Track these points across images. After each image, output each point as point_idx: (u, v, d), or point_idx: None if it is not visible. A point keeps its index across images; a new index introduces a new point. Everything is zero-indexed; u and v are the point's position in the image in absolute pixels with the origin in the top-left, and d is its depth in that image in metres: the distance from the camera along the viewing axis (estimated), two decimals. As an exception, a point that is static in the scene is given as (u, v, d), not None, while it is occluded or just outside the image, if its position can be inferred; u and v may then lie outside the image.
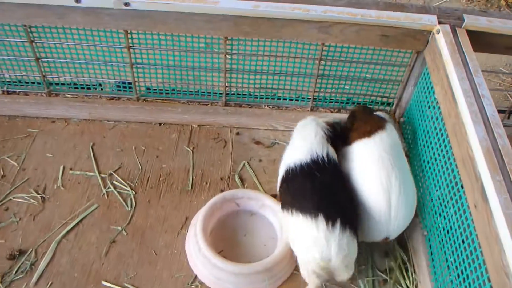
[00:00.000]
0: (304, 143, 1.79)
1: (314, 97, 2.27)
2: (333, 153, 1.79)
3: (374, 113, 1.96)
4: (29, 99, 2.24)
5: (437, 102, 1.82)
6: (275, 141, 2.27)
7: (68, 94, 2.26)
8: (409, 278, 1.83)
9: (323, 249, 1.56)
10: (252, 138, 2.28)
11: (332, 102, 2.33)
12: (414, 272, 1.84)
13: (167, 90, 2.29)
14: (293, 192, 1.69)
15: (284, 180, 1.77)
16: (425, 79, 2.01)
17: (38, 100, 2.23)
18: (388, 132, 1.81)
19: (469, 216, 1.50)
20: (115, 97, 2.26)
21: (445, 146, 1.73)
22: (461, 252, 1.55)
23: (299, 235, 1.63)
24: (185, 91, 2.28)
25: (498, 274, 1.27)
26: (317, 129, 1.82)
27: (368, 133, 1.81)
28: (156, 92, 2.29)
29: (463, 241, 1.54)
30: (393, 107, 2.30)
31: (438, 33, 1.86)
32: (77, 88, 2.27)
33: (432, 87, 1.90)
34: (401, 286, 1.80)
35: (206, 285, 1.76)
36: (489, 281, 1.33)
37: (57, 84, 2.26)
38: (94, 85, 2.29)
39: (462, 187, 1.56)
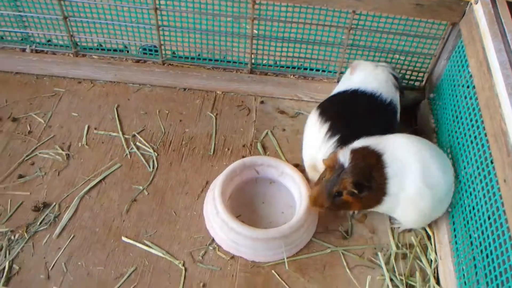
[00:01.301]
0: (373, 80, 1.91)
1: (342, 68, 2.21)
2: (396, 101, 1.91)
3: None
4: (57, 58, 2.25)
5: (471, 76, 1.76)
6: (299, 112, 2.24)
7: (95, 55, 2.27)
8: (430, 254, 1.80)
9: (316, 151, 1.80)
10: (276, 108, 2.26)
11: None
12: (435, 248, 1.80)
13: (193, 56, 2.27)
14: (340, 108, 1.87)
15: (343, 94, 1.92)
16: (459, 52, 1.94)
17: (65, 60, 2.25)
18: None
19: (497, 192, 1.45)
20: (141, 60, 2.26)
21: (476, 121, 1.67)
22: (486, 228, 1.51)
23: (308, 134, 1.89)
24: (211, 57, 2.26)
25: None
26: (388, 75, 1.93)
27: None
28: (181, 57, 2.28)
29: (488, 217, 1.50)
30: (423, 82, 2.24)
31: (476, 3, 1.78)
32: (103, 50, 2.27)
33: (466, 61, 1.83)
34: (421, 261, 1.78)
35: (223, 248, 1.76)
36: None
37: (84, 45, 2.27)
38: (120, 48, 2.29)
39: (491, 162, 1.51)
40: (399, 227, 1.86)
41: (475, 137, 1.67)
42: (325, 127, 1.80)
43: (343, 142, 1.74)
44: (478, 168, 1.61)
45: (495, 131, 1.49)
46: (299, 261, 1.76)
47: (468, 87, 1.80)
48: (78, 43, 2.26)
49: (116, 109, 2.17)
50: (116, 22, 2.14)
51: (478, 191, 1.59)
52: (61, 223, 1.77)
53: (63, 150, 1.99)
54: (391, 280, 1.72)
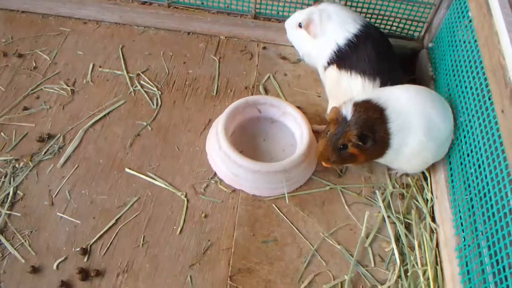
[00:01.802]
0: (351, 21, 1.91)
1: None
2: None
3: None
4: (62, -3, 2.25)
5: (470, 21, 1.77)
6: (301, 58, 2.26)
7: (101, -4, 2.26)
8: (426, 194, 1.84)
9: None
10: (278, 54, 2.27)
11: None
12: (431, 188, 1.85)
13: (198, 1, 2.26)
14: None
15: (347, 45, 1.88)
16: (459, 0, 1.94)
17: (71, 0, 2.25)
18: None
19: (494, 125, 1.49)
20: (147, 2, 2.26)
21: (475, 62, 1.69)
22: (483, 167, 1.55)
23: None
24: (216, 3, 2.25)
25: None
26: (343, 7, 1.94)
27: None
28: (187, 0, 2.27)
29: (485, 151, 1.54)
30: (422, 33, 2.25)
31: None
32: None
33: (466, 7, 1.84)
34: (417, 200, 1.83)
35: (225, 182, 1.81)
36: None
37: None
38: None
39: (489, 98, 1.54)
40: (396, 173, 1.90)
41: (473, 77, 1.69)
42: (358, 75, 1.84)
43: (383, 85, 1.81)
44: (475, 106, 1.64)
45: (494, 67, 1.52)
46: (299, 197, 1.80)
47: (467, 31, 1.82)
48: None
49: (121, 49, 2.18)
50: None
51: (476, 128, 1.62)
52: (65, 153, 1.80)
53: (68, 85, 2.01)
54: (388, 217, 1.78)
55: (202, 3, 2.27)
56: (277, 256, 1.66)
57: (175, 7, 2.25)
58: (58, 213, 1.65)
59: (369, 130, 1.63)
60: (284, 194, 1.78)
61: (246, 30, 2.25)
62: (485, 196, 1.51)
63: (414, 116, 1.67)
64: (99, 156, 1.82)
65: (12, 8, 2.28)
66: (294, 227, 1.73)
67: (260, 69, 2.19)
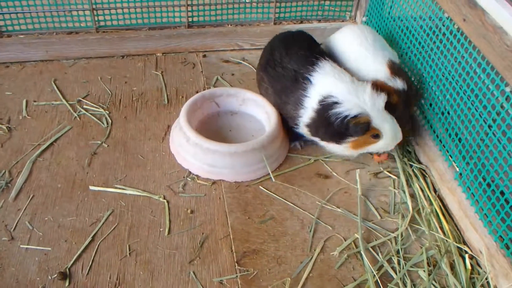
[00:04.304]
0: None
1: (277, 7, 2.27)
2: None
3: None
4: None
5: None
6: (242, 61, 2.23)
7: (21, 34, 2.11)
8: (406, 146, 1.82)
9: None
10: (220, 59, 2.24)
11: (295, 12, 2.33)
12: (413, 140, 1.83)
13: (127, 18, 2.18)
14: None
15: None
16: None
17: (-14, 44, 2.07)
18: None
19: (457, 37, 1.53)
20: (73, 31, 2.14)
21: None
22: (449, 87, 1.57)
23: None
24: (146, 17, 2.19)
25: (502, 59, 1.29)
26: None
27: None
28: (116, 21, 2.18)
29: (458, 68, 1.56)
30: (353, 12, 2.34)
31: None
32: (30, 25, 2.11)
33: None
34: (402, 154, 1.79)
35: (201, 176, 1.66)
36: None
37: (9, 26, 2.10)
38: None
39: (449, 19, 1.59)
40: None
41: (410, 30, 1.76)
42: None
43: None
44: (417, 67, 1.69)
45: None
46: (284, 175, 1.70)
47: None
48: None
49: (54, 82, 2.02)
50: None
51: (440, 53, 1.66)
52: (16, 186, 1.57)
53: (2, 124, 1.80)
54: (380, 172, 1.73)
55: (131, 23, 2.19)
56: (280, 232, 1.51)
57: (104, 31, 2.16)
58: (21, 246, 1.40)
59: None
60: (269, 174, 1.67)
61: (182, 40, 2.20)
62: (466, 117, 1.52)
63: None
64: (55, 181, 1.60)
65: None
66: (288, 202, 1.60)
67: (206, 74, 2.13)
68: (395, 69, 1.70)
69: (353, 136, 1.59)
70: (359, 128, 1.56)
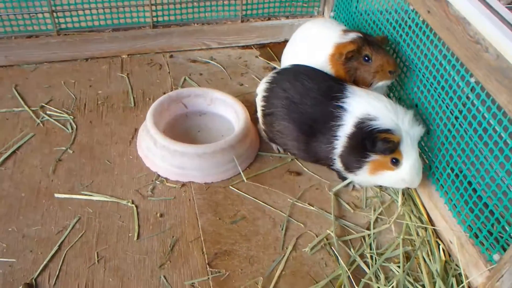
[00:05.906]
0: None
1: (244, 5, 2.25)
2: None
3: None
4: None
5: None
6: (210, 60, 2.20)
7: (-22, 40, 2.04)
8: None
9: None
10: (187, 59, 2.20)
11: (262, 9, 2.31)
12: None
13: (89, 19, 2.12)
14: None
15: None
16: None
17: None
18: None
19: (422, 29, 1.53)
20: (33, 35, 2.08)
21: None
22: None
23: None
24: (109, 18, 2.13)
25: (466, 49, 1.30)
26: None
27: None
28: (77, 23, 2.11)
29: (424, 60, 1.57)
30: (321, 7, 2.34)
31: None
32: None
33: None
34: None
35: (170, 179, 1.63)
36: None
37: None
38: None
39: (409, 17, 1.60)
40: None
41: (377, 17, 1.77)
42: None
43: None
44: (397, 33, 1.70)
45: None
46: (255, 174, 1.68)
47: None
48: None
49: (15, 88, 1.96)
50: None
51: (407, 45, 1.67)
52: (-24, 198, 1.52)
53: (-40, 134, 1.74)
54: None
55: (94, 24, 2.13)
56: (252, 231, 1.49)
57: (66, 34, 2.09)
58: (-17, 259, 1.35)
59: None
60: (239, 174, 1.65)
61: (147, 41, 2.16)
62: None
63: None
64: (19, 190, 1.55)
65: None
66: (259, 201, 1.59)
67: (174, 75, 2.09)
68: (347, 31, 1.73)
69: (376, 154, 1.46)
70: (386, 145, 1.43)
